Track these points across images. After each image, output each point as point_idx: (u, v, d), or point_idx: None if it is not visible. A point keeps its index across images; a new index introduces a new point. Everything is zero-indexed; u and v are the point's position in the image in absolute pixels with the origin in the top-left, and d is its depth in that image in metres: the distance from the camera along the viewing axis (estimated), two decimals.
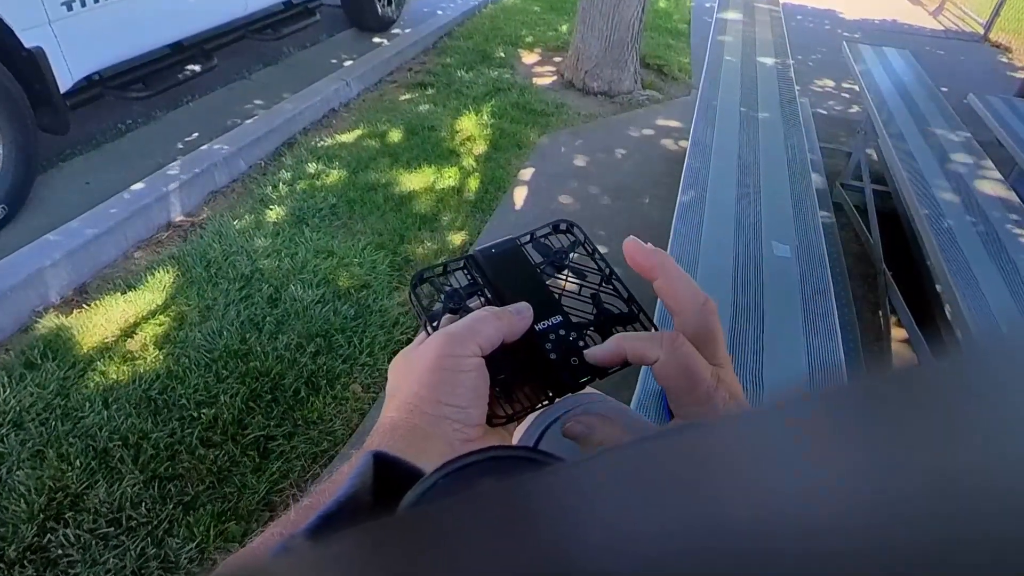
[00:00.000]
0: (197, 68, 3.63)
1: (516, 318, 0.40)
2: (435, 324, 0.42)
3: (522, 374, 0.41)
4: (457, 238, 2.90)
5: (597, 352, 0.40)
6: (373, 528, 0.13)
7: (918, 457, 0.10)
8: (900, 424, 0.11)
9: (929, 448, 0.11)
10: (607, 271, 0.47)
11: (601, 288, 0.46)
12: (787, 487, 0.11)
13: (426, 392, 0.36)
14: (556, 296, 0.45)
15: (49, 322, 2.23)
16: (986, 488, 0.10)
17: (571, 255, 0.47)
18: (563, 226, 0.49)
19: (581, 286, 0.46)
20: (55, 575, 1.55)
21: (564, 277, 0.46)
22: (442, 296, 0.44)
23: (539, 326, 0.42)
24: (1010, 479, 0.10)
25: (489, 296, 0.44)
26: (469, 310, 0.43)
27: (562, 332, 0.42)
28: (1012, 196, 2.38)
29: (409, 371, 0.38)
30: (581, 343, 0.41)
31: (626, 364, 0.40)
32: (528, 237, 0.47)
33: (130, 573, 1.56)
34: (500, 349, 0.39)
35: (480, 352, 0.37)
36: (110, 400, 1.95)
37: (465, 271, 0.45)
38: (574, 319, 0.43)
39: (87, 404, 1.92)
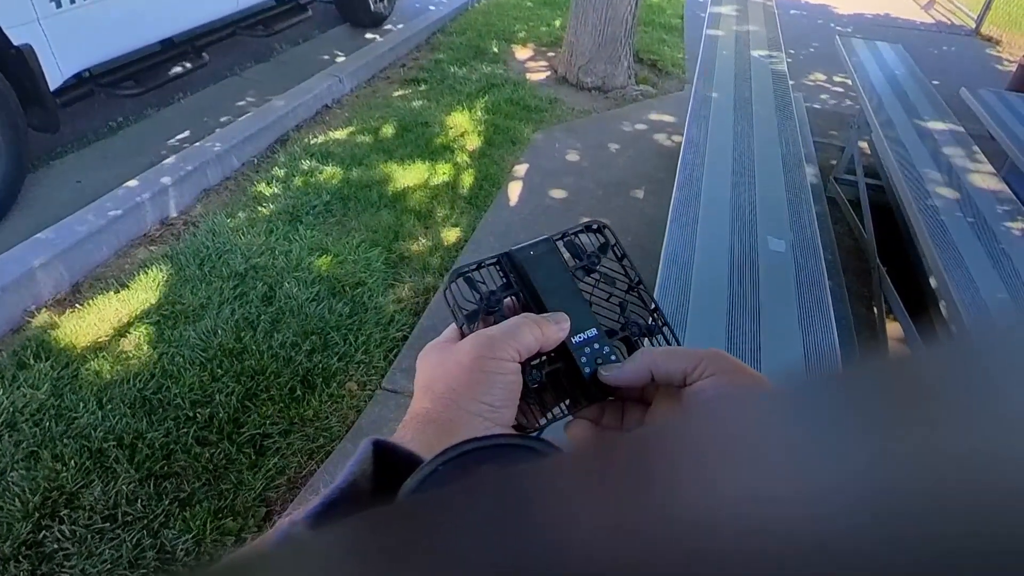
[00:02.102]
0: (188, 65, 3.60)
1: (555, 328, 0.40)
2: (474, 326, 0.43)
3: (557, 385, 0.42)
4: (452, 234, 2.90)
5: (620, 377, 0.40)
6: (372, 516, 0.13)
7: (911, 448, 0.10)
8: (893, 415, 0.11)
9: (923, 439, 0.11)
10: (635, 279, 0.48)
11: (628, 296, 0.47)
12: (781, 479, 0.11)
13: (464, 389, 0.37)
14: (589, 304, 0.45)
15: (41, 322, 2.21)
16: (979, 479, 0.10)
17: (601, 259, 0.48)
18: (595, 226, 0.49)
19: (610, 294, 0.47)
20: (51, 568, 1.56)
21: (594, 282, 0.47)
22: (478, 296, 0.44)
23: (576, 339, 0.42)
24: (1002, 470, 0.10)
25: (523, 297, 0.45)
26: (503, 313, 0.44)
27: (596, 346, 0.42)
28: (1004, 188, 2.39)
29: (445, 367, 0.39)
30: (614, 357, 0.42)
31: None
32: (560, 235, 0.48)
33: (127, 563, 1.57)
34: (536, 358, 0.40)
35: (518, 358, 0.38)
36: (104, 400, 1.94)
37: (498, 268, 0.45)
38: (605, 328, 0.44)
39: (81, 404, 1.91)
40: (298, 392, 2.04)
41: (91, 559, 1.57)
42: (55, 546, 1.59)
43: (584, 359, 0.42)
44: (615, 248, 0.48)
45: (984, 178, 2.45)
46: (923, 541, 0.09)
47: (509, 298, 0.45)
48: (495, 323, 0.41)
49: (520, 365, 0.38)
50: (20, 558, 1.56)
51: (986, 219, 2.16)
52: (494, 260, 0.45)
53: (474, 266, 0.45)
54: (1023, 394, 0.11)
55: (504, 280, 0.45)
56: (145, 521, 1.66)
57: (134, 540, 1.61)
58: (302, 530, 0.23)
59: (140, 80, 3.36)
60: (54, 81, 2.81)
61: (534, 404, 0.41)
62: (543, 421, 0.40)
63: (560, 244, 0.47)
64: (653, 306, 0.47)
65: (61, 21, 2.76)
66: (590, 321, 0.44)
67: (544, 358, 0.42)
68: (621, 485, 0.12)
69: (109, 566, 1.56)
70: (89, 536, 1.61)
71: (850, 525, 0.10)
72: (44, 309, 2.28)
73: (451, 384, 0.37)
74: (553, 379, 0.42)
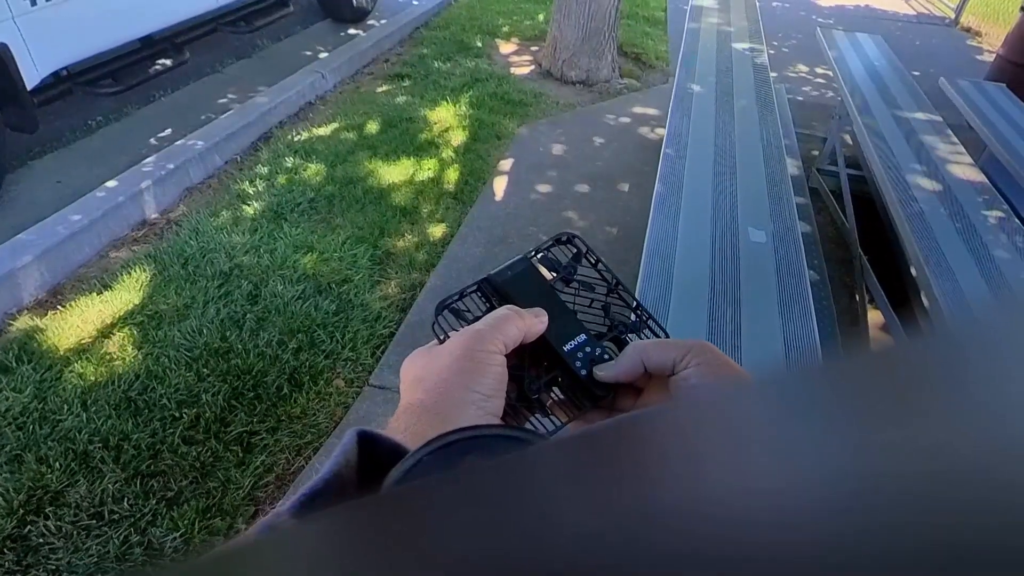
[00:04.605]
0: (168, 62, 3.56)
1: (535, 320, 0.43)
2: None
3: (556, 392, 0.44)
4: (438, 230, 2.89)
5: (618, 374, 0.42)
6: (356, 507, 0.13)
7: (895, 440, 0.11)
8: (876, 406, 0.12)
9: (907, 430, 0.11)
10: (613, 281, 0.49)
11: (609, 298, 0.48)
12: (765, 469, 0.11)
13: (456, 379, 0.38)
14: (574, 312, 0.46)
15: (23, 324, 2.18)
16: (964, 471, 0.10)
17: (577, 268, 0.49)
18: (564, 238, 0.50)
19: (592, 300, 0.48)
20: (37, 559, 1.56)
21: (574, 291, 0.48)
22: (464, 324, 0.45)
23: (567, 346, 0.44)
24: (986, 461, 0.10)
25: None
26: None
27: (588, 349, 0.44)
28: (982, 178, 2.42)
29: (437, 361, 0.40)
30: (607, 356, 0.44)
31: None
32: (534, 252, 0.49)
33: (114, 558, 1.57)
34: (535, 371, 0.42)
35: (505, 349, 0.40)
36: (89, 402, 1.92)
37: (480, 294, 0.46)
38: (593, 332, 0.46)
39: (65, 407, 1.90)
40: (285, 390, 2.04)
41: (78, 553, 1.57)
42: (40, 540, 1.59)
43: (579, 363, 0.43)
44: (588, 256, 0.49)
45: (962, 168, 2.49)
46: (907, 532, 0.09)
47: None
48: None
49: (505, 357, 0.40)
50: (5, 550, 1.57)
51: (964, 209, 2.19)
52: (475, 287, 0.46)
53: (457, 296, 0.46)
54: (1007, 386, 0.11)
55: (488, 305, 0.46)
56: (132, 519, 1.66)
57: (121, 537, 1.61)
58: (286, 520, 0.23)
59: (119, 78, 3.31)
60: (31, 80, 2.76)
61: (540, 415, 0.42)
62: (554, 427, 0.42)
63: (535, 260, 0.48)
64: (635, 303, 0.48)
65: (37, 19, 2.71)
66: (578, 328, 0.45)
67: (543, 365, 0.43)
68: (605, 473, 0.13)
69: (96, 560, 1.56)
70: (75, 532, 1.61)
71: (834, 516, 0.10)
72: (26, 311, 2.26)
73: (443, 375, 0.38)
74: (555, 389, 0.44)
